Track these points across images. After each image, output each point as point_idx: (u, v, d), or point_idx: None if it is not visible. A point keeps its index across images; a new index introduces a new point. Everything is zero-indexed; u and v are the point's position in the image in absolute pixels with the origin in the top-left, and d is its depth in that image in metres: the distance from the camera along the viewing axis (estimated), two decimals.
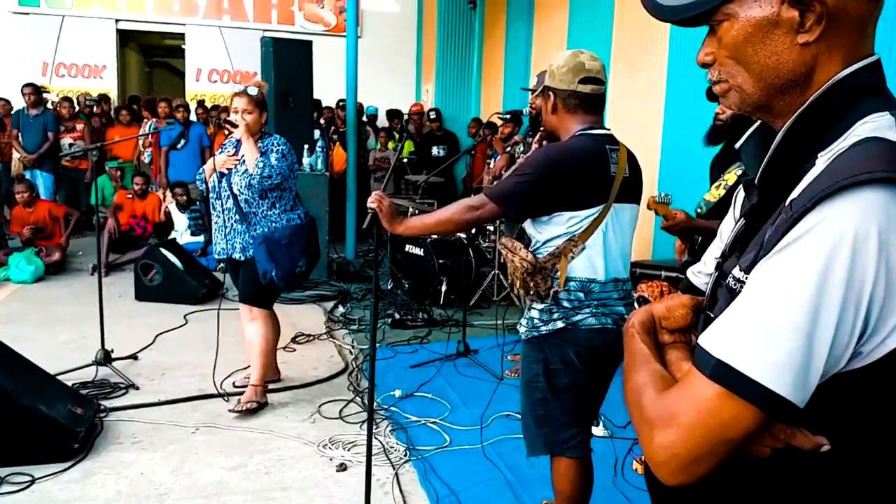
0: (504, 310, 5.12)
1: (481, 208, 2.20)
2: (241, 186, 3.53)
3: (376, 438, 3.26)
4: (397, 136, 9.83)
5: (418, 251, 6.03)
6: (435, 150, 9.44)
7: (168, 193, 7.88)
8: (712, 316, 0.93)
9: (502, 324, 4.57)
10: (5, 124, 8.91)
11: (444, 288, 5.83)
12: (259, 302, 3.73)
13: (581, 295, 2.19)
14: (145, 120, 9.50)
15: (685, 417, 0.81)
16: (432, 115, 9.71)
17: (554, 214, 2.18)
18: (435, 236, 5.87)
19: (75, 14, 11.20)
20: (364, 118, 9.93)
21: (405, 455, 3.22)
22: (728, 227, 1.09)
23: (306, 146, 6.66)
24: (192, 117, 9.13)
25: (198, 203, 7.78)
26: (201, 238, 7.49)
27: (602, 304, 2.20)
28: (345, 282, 6.73)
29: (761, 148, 0.95)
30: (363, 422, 3.46)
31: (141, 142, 9.13)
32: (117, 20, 11.51)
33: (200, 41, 11.77)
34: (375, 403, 3.62)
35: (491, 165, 6.90)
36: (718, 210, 2.76)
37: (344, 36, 8.13)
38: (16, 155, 8.79)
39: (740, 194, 1.08)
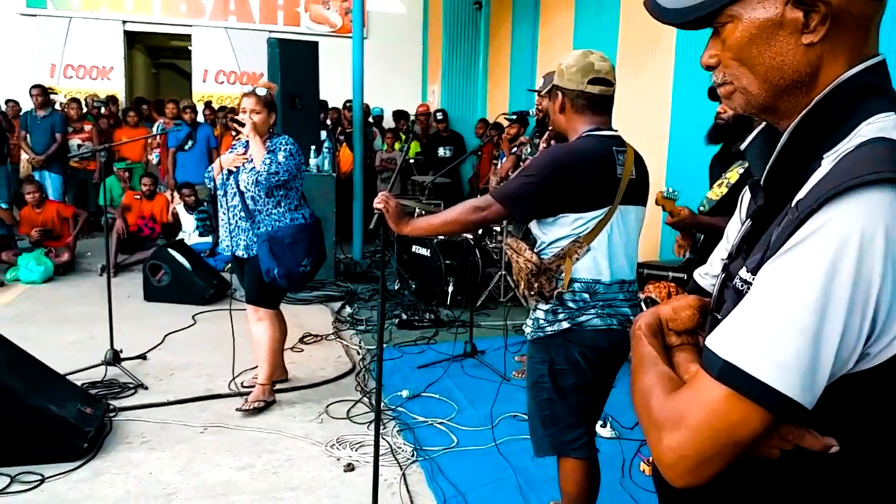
0: (511, 310, 5.12)
1: (487, 209, 2.20)
2: (248, 184, 3.55)
3: (384, 439, 3.26)
4: (403, 136, 9.84)
5: (425, 252, 6.04)
6: (441, 151, 9.45)
7: (176, 194, 7.91)
8: (719, 318, 0.93)
9: (509, 324, 4.57)
10: (14, 125, 8.97)
11: (450, 288, 5.84)
12: (264, 302, 3.74)
13: (586, 296, 2.19)
14: (156, 121, 9.55)
15: (693, 419, 0.81)
16: (439, 115, 9.71)
17: (559, 216, 2.19)
18: (441, 237, 5.87)
19: (83, 15, 11.25)
20: (370, 119, 9.95)
21: (412, 455, 3.23)
22: (734, 229, 1.09)
23: (313, 147, 6.67)
24: (200, 118, 9.16)
25: (205, 204, 7.81)
26: (209, 239, 7.52)
27: (607, 304, 2.20)
28: (352, 282, 6.74)
29: (766, 149, 0.95)
30: (370, 422, 3.47)
31: (150, 143, 9.18)
32: (124, 21, 11.55)
33: (207, 42, 11.81)
34: (383, 404, 3.63)
35: (498, 166, 6.90)
36: (721, 208, 2.77)
37: (350, 37, 8.14)
38: (24, 156, 8.84)
39: (746, 195, 1.08)
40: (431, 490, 2.95)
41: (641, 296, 2.29)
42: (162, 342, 4.82)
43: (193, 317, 5.45)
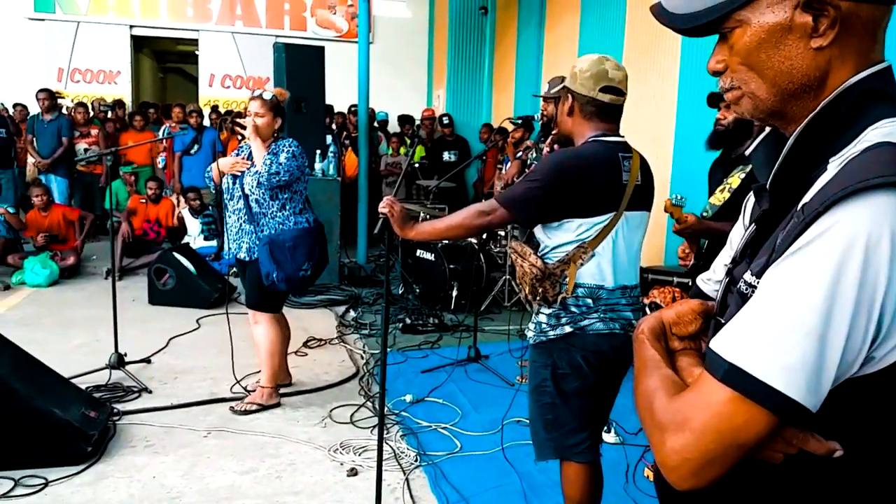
0: (515, 315, 5.12)
1: (491, 213, 2.20)
2: (251, 186, 3.56)
3: (387, 443, 3.26)
4: (409, 141, 9.86)
5: (429, 256, 6.04)
6: (446, 156, 9.46)
7: (181, 198, 7.94)
8: (723, 322, 0.92)
9: (513, 329, 4.57)
10: (21, 129, 9.01)
11: (454, 293, 5.84)
12: (263, 306, 3.75)
13: (589, 301, 2.19)
14: (162, 125, 9.59)
15: (697, 421, 0.80)
16: (444, 120, 9.73)
17: (564, 221, 2.18)
18: (446, 241, 5.88)
19: (90, 20, 11.33)
20: (375, 123, 9.97)
21: (416, 460, 3.23)
22: (738, 234, 1.09)
23: (318, 151, 6.69)
24: (206, 122, 9.20)
25: (211, 208, 7.84)
26: (214, 243, 7.55)
27: (610, 309, 2.20)
28: (356, 286, 6.75)
29: (772, 153, 0.95)
30: (374, 426, 3.46)
31: (157, 146, 9.21)
32: (131, 26, 11.63)
33: (213, 47, 11.87)
34: (386, 408, 3.62)
35: (502, 171, 6.90)
36: (724, 213, 2.77)
37: (356, 42, 8.16)
38: (31, 160, 8.88)
39: (750, 201, 1.08)
40: (435, 495, 2.94)
41: (645, 301, 2.28)
42: (166, 346, 4.83)
43: (198, 320, 5.46)
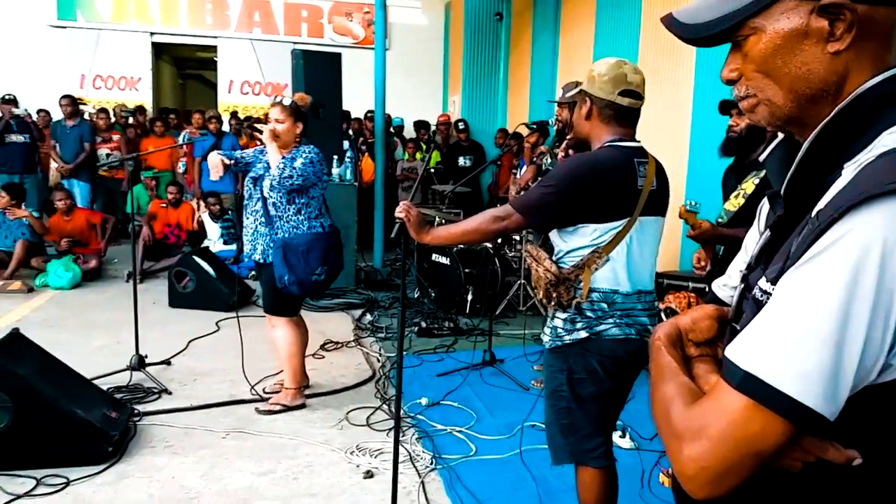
0: (531, 319, 5.12)
1: (507, 219, 2.20)
2: (269, 189, 3.61)
3: (403, 446, 3.28)
4: (424, 146, 9.90)
5: (445, 260, 6.07)
6: (461, 161, 9.48)
7: (202, 203, 8.02)
8: (738, 328, 0.91)
9: (528, 334, 4.57)
10: (45, 135, 9.15)
11: (470, 297, 5.86)
12: (278, 310, 3.79)
13: (604, 305, 2.20)
14: (182, 131, 9.70)
15: (714, 430, 0.80)
16: (460, 125, 9.76)
17: (579, 226, 2.20)
18: (461, 246, 5.90)
19: (112, 27, 11.48)
20: (391, 129, 10.02)
21: (431, 463, 3.25)
22: (752, 240, 1.09)
23: (336, 157, 6.74)
24: (225, 128, 9.28)
25: (230, 212, 7.92)
26: (233, 247, 7.62)
27: (625, 314, 2.20)
28: (372, 290, 6.79)
29: (786, 159, 0.95)
30: (390, 429, 3.48)
31: (178, 152, 9.33)
32: (152, 33, 11.76)
33: (232, 54, 11.98)
34: (402, 411, 3.65)
35: (517, 175, 6.92)
36: (739, 219, 2.77)
37: (372, 48, 8.22)
38: (54, 165, 9.02)
39: (764, 207, 1.07)
40: (450, 498, 2.96)
41: (661, 306, 2.29)
42: (186, 348, 4.89)
43: (217, 323, 5.52)
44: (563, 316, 2.25)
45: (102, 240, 7.41)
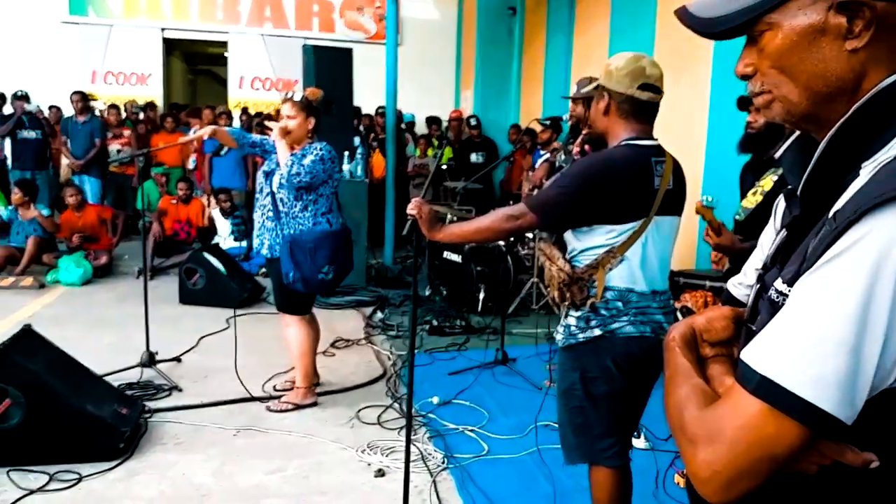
0: (543, 318, 5.09)
1: (520, 218, 2.17)
2: (277, 185, 3.59)
3: (414, 445, 3.26)
4: (436, 142, 9.87)
5: (457, 258, 6.04)
6: (473, 157, 9.45)
7: (212, 199, 8.03)
8: (754, 329, 0.91)
9: (541, 332, 4.54)
10: (56, 131, 9.19)
11: (482, 295, 5.83)
12: (289, 308, 3.77)
13: (619, 304, 2.16)
14: (192, 127, 9.72)
15: (728, 434, 0.80)
16: (472, 121, 9.72)
17: (594, 226, 2.16)
18: (473, 243, 5.87)
19: (123, 23, 11.51)
20: (402, 125, 10.00)
21: (443, 462, 3.23)
22: (769, 238, 1.07)
23: (346, 153, 6.73)
24: (236, 124, 9.28)
25: (241, 209, 7.93)
26: (244, 243, 7.63)
27: (640, 312, 2.17)
28: (383, 288, 6.77)
29: (802, 158, 0.93)
30: (401, 428, 3.46)
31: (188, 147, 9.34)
32: (163, 29, 11.78)
33: (243, 49, 11.98)
34: (413, 410, 3.63)
35: (530, 173, 6.88)
36: (756, 216, 2.73)
37: (384, 43, 8.20)
38: (64, 161, 9.06)
39: (780, 204, 1.06)
40: (462, 498, 2.94)
41: (677, 305, 2.26)
42: (196, 345, 4.88)
43: (227, 320, 5.50)
44: (577, 314, 2.22)
45: (113, 235, 7.43)
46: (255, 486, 3.02)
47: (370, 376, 4.36)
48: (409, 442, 2.57)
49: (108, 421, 3.17)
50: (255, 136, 3.85)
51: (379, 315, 5.84)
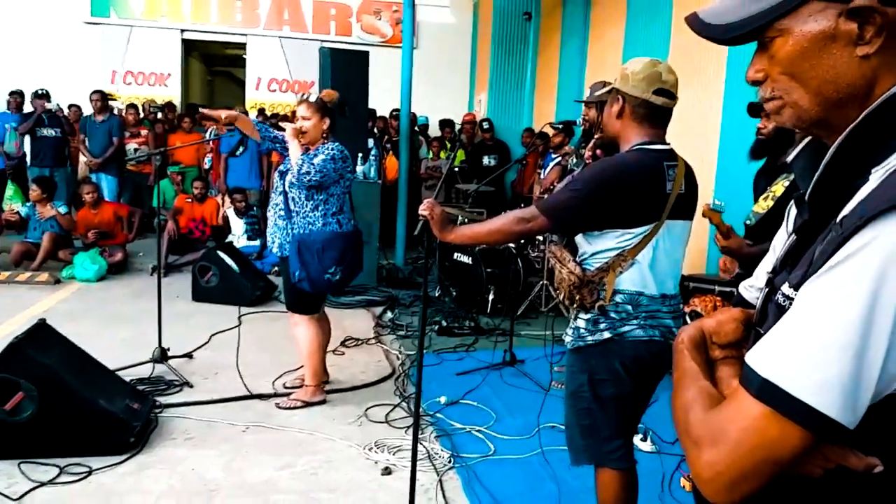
0: (552, 321, 5.08)
1: (532, 221, 2.17)
2: (289, 184, 3.62)
3: (421, 444, 3.27)
4: (449, 145, 9.89)
5: (467, 259, 6.05)
6: (486, 160, 9.47)
7: (227, 198, 8.09)
8: (762, 332, 0.91)
9: (550, 335, 4.54)
10: (75, 129, 9.30)
11: (491, 297, 5.84)
12: (297, 308, 3.80)
13: (629, 307, 2.17)
14: (209, 127, 9.79)
15: (732, 436, 0.80)
16: (485, 125, 9.74)
17: (605, 230, 2.17)
18: (484, 245, 5.88)
19: (143, 24, 11.62)
20: (416, 128, 10.03)
21: (449, 462, 3.24)
22: (780, 241, 1.08)
23: (360, 154, 6.76)
24: None
25: (255, 209, 7.98)
26: (257, 242, 7.68)
27: (650, 316, 2.17)
28: (394, 288, 6.79)
29: (812, 162, 0.93)
30: (409, 427, 3.48)
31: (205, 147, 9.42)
32: (182, 30, 11.89)
33: (261, 51, 12.07)
34: (421, 409, 3.65)
35: (542, 176, 6.89)
36: (767, 221, 2.73)
37: (400, 47, 8.23)
38: (83, 159, 9.16)
39: (793, 209, 1.06)
40: (468, 497, 2.95)
41: (686, 309, 2.25)
42: (208, 342, 4.92)
43: (239, 318, 5.55)
44: (587, 317, 2.22)
45: (129, 233, 7.51)
46: (264, 481, 3.04)
47: (379, 375, 4.38)
48: (416, 441, 2.58)
49: (119, 415, 3.20)
50: (277, 132, 3.88)
51: (389, 315, 5.86)
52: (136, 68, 11.70)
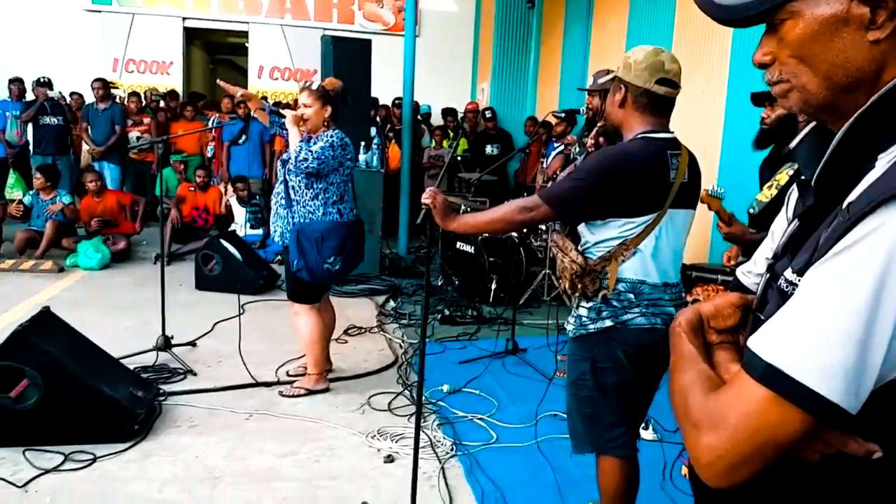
0: (555, 310, 5.09)
1: (534, 210, 2.17)
2: (289, 171, 3.61)
3: (424, 432, 3.28)
4: (452, 134, 9.87)
5: (469, 248, 6.05)
6: (489, 149, 9.45)
7: (230, 187, 8.09)
8: (762, 317, 0.91)
9: (552, 324, 4.55)
10: (77, 117, 9.29)
11: (493, 286, 5.84)
12: (297, 297, 3.80)
13: (631, 296, 2.17)
14: (211, 116, 9.78)
15: (732, 420, 0.80)
16: (487, 113, 9.71)
17: (608, 219, 2.17)
18: (486, 234, 5.88)
19: (145, 12, 11.58)
20: (419, 116, 10.00)
21: (452, 450, 3.25)
22: (780, 227, 1.07)
23: (363, 143, 6.75)
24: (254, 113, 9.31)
25: (258, 197, 7.98)
26: (260, 231, 7.69)
27: (652, 304, 2.17)
28: (396, 277, 6.80)
29: (817, 148, 0.92)
30: (411, 415, 3.50)
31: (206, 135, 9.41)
32: (184, 18, 11.85)
33: (263, 39, 12.02)
34: (423, 397, 3.66)
35: (545, 165, 6.87)
36: (771, 210, 2.72)
37: (402, 35, 8.20)
38: (85, 147, 9.16)
39: (793, 194, 1.06)
40: (470, 485, 2.96)
41: (688, 298, 2.25)
42: (211, 330, 4.94)
43: (242, 306, 5.56)
44: (589, 305, 2.23)
45: (133, 221, 7.52)
46: (267, 469, 3.06)
47: (382, 364, 4.40)
48: (418, 429, 2.59)
49: (123, 403, 3.22)
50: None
51: (391, 304, 5.87)
52: (138, 56, 11.66)
